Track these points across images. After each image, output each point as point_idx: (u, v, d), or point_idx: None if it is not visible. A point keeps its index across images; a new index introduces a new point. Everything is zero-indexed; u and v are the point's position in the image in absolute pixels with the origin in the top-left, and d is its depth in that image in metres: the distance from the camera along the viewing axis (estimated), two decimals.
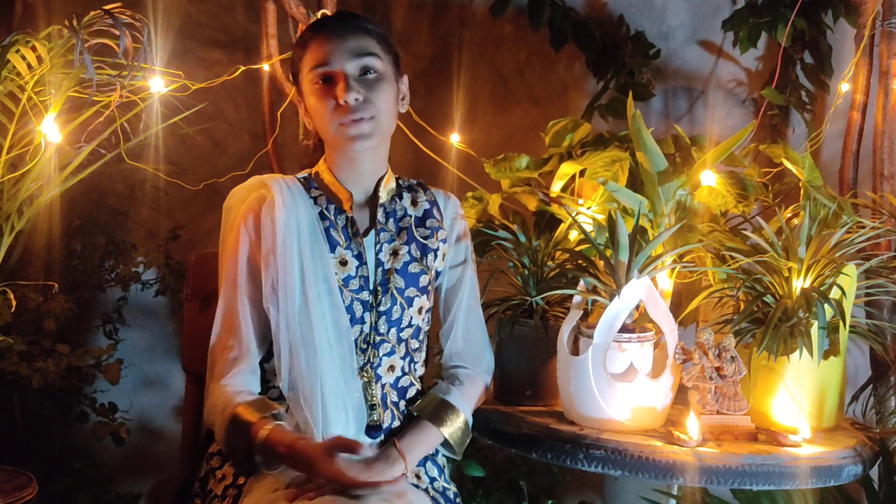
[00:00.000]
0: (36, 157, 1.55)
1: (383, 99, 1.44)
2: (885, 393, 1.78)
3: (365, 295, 1.46)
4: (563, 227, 1.70)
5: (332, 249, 1.46)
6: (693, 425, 1.43)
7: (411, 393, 1.52)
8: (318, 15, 1.93)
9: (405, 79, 1.53)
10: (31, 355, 1.99)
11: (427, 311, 1.53)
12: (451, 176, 2.03)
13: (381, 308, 1.47)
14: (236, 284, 1.45)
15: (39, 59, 1.54)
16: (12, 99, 1.57)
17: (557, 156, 1.84)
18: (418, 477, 1.47)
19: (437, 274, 1.56)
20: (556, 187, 1.76)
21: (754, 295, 1.51)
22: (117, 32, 1.47)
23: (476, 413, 1.56)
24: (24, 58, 1.54)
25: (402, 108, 1.53)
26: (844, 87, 1.97)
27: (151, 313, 2.38)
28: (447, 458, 1.57)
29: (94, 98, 1.54)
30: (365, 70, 1.44)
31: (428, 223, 1.54)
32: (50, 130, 1.53)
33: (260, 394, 1.46)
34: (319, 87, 1.44)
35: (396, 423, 1.49)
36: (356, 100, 1.42)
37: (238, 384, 1.42)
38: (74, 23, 1.47)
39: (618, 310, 1.46)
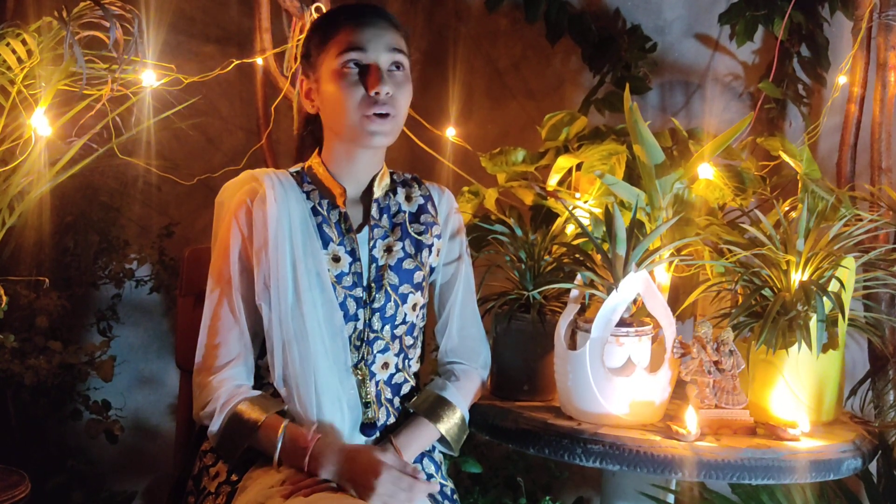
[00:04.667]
0: (26, 152, 1.53)
1: (405, 98, 1.44)
2: (884, 387, 1.78)
3: (358, 291, 1.45)
4: (559, 220, 1.69)
5: (325, 245, 1.44)
6: (691, 419, 1.42)
7: (406, 390, 1.51)
8: (313, 8, 1.92)
9: None
10: (24, 352, 1.97)
11: (422, 308, 1.52)
12: (447, 170, 2.02)
13: (375, 305, 1.45)
14: (229, 280, 1.43)
15: (30, 52, 1.52)
16: (2, 93, 1.55)
17: (554, 149, 1.83)
18: None
19: (432, 270, 1.55)
20: (552, 181, 1.75)
21: (752, 288, 1.50)
22: (108, 24, 1.45)
23: (473, 409, 1.55)
24: (14, 51, 1.52)
25: None
26: (842, 79, 1.97)
27: (146, 311, 2.36)
28: (444, 454, 1.56)
29: (85, 92, 1.52)
30: (395, 67, 1.43)
31: (422, 219, 1.53)
32: (40, 124, 1.51)
33: (253, 389, 1.45)
34: (348, 73, 1.41)
35: (392, 421, 1.48)
36: (388, 93, 1.40)
37: (234, 378, 1.41)
38: (64, 14, 1.46)
39: (615, 304, 1.45)
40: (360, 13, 1.44)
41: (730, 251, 1.53)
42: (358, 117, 1.41)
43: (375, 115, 1.40)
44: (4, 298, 1.60)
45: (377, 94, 1.39)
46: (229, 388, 1.40)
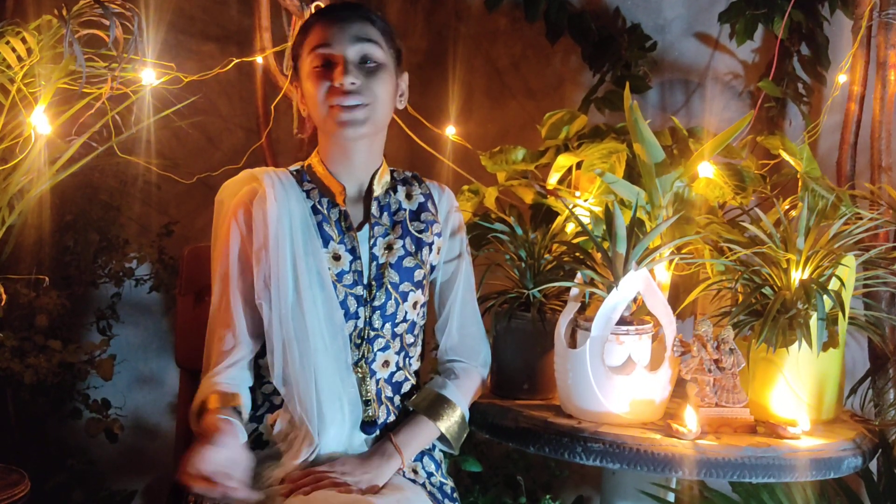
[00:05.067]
0: (26, 150, 1.53)
1: (381, 88, 1.43)
2: (884, 385, 1.78)
3: (359, 290, 1.45)
4: (559, 219, 1.69)
5: (326, 244, 1.44)
6: (691, 418, 1.42)
7: (406, 388, 1.51)
8: (312, 7, 1.93)
9: (405, 76, 1.51)
10: (24, 351, 1.97)
11: (422, 306, 1.52)
12: (447, 169, 2.02)
13: (376, 303, 1.45)
14: (228, 280, 1.43)
15: (29, 50, 1.52)
16: (2, 91, 1.55)
17: (554, 148, 1.83)
18: (415, 472, 1.46)
19: (432, 268, 1.55)
20: (552, 179, 1.75)
21: (753, 287, 1.50)
22: (107, 23, 1.45)
23: (473, 407, 1.55)
24: (14, 49, 1.52)
25: (400, 105, 1.51)
26: (842, 78, 1.97)
27: (146, 310, 2.36)
28: (444, 452, 1.56)
29: (85, 90, 1.52)
30: (365, 58, 1.43)
31: (423, 217, 1.53)
32: (39, 122, 1.51)
33: (251, 389, 1.45)
34: (318, 70, 1.42)
35: (392, 419, 1.48)
36: (352, 84, 1.40)
37: (226, 377, 1.41)
38: (64, 12, 1.46)
39: (615, 302, 1.45)
40: (330, 10, 1.46)
41: (730, 249, 1.53)
42: (326, 109, 1.42)
43: (344, 106, 1.40)
44: (4, 297, 1.60)
45: (341, 84, 1.39)
46: (216, 383, 1.39)
